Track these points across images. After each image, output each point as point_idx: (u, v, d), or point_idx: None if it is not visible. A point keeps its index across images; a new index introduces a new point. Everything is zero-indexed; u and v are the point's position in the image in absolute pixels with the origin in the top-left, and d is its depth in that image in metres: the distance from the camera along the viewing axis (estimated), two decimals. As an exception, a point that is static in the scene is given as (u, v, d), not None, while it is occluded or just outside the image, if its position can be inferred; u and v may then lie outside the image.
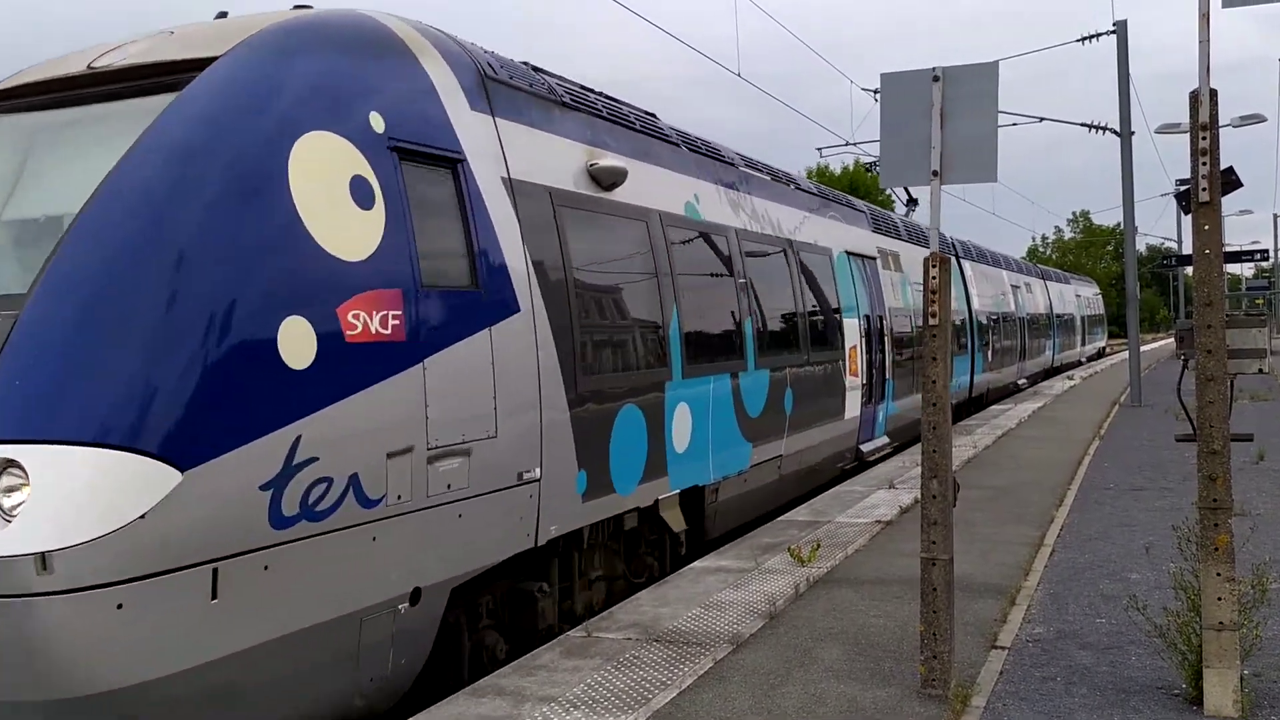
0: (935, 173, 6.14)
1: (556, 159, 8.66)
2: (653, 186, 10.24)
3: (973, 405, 26.15)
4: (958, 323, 23.48)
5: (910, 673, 6.66)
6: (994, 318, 28.37)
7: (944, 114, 6.09)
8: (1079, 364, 49.13)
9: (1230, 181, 7.30)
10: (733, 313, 11.56)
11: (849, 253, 16.37)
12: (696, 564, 10.04)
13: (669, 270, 10.12)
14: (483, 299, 7.21)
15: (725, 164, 12.59)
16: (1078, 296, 51.08)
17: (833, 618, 8.09)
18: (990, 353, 27.33)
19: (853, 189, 50.87)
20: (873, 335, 17.03)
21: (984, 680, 6.61)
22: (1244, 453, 14.82)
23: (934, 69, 6.10)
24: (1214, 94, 5.76)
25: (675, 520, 10.26)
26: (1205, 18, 5.78)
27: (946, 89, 6.09)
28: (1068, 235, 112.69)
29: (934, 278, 6.09)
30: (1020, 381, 33.12)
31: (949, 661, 6.25)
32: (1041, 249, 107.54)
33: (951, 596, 6.31)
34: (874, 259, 17.93)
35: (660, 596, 8.81)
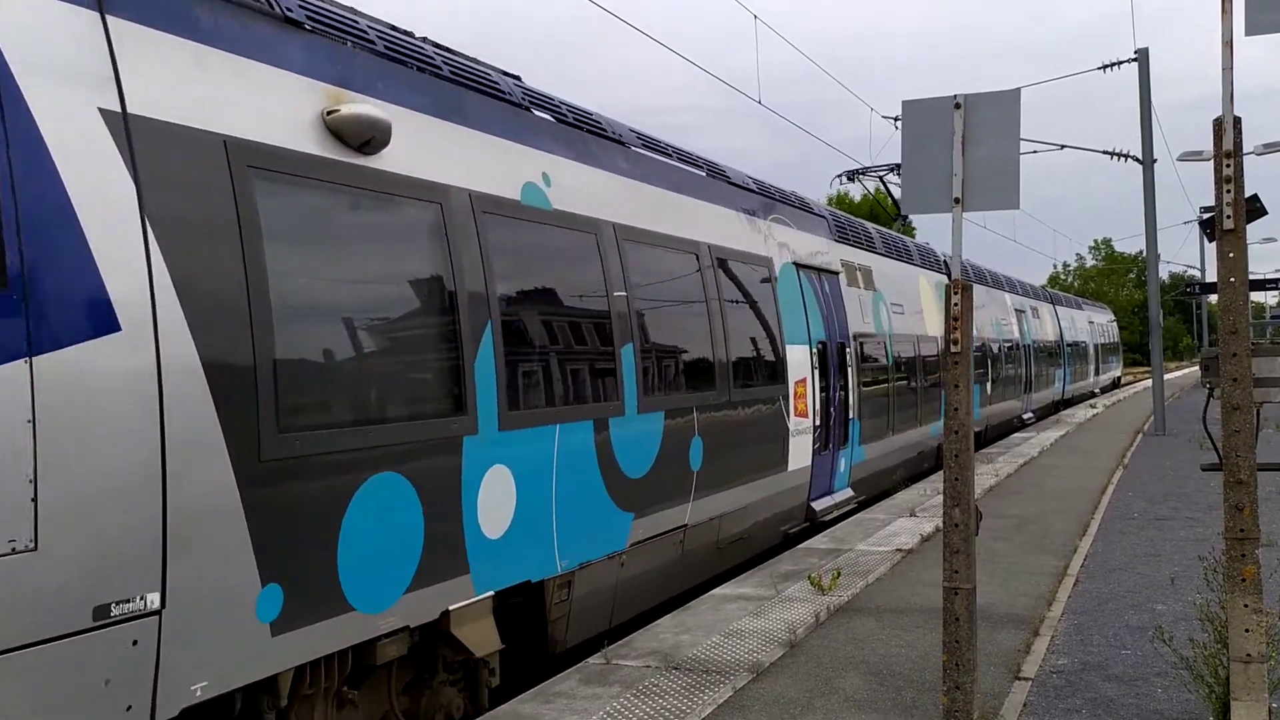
0: (957, 200, 6.13)
1: (251, 96, 5.78)
2: (458, 155, 7.39)
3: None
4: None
5: (933, 703, 6.59)
6: (995, 345, 26.09)
7: (965, 141, 6.08)
8: (1092, 395, 46.08)
9: (1254, 209, 7.24)
10: (600, 337, 8.79)
11: (799, 264, 13.46)
12: (716, 591, 9.98)
13: (482, 275, 7.29)
14: (19, 307, 4.42)
15: (605, 138, 9.65)
16: (1091, 323, 47.49)
17: (854, 646, 8.02)
18: (989, 384, 24.96)
19: (873, 216, 50.89)
20: (830, 366, 14.13)
21: (1007, 712, 6.53)
22: (1271, 482, 14.65)
23: (955, 96, 6.10)
24: (1238, 121, 5.73)
25: (482, 638, 7.19)
26: (1228, 45, 5.76)
27: (968, 115, 6.08)
28: (1089, 263, 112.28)
29: (956, 304, 6.07)
30: (1025, 415, 30.76)
31: (972, 692, 6.17)
32: (1063, 276, 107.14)
33: (974, 626, 6.24)
34: (836, 274, 15.04)
35: (680, 624, 8.76)
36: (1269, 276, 46.11)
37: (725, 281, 11.17)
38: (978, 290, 23.71)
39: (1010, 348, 28.28)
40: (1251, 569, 5.74)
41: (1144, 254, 31.24)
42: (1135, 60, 26.43)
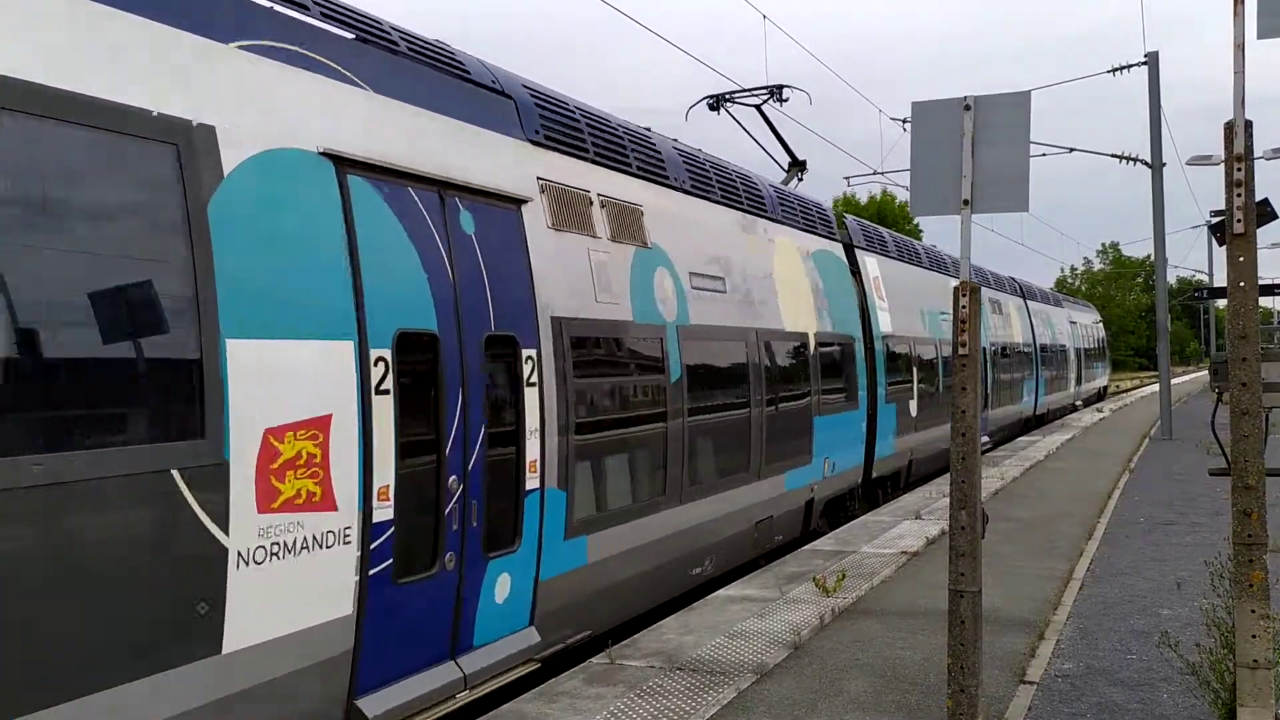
0: (966, 202, 6.11)
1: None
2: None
3: (878, 490, 16.52)
4: (833, 355, 14.03)
5: (937, 706, 6.57)
6: (924, 347, 19.21)
7: (975, 143, 6.07)
8: (1073, 409, 38.56)
9: (1265, 213, 7.22)
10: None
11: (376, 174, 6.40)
12: (720, 592, 9.97)
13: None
14: None
15: None
16: (1072, 324, 39.89)
17: (858, 649, 8.00)
18: (913, 402, 17.93)
19: (880, 218, 50.86)
20: (473, 387, 6.93)
21: (1012, 715, 6.52)
22: (1279, 488, 14.60)
23: (965, 98, 6.08)
24: (1249, 125, 5.71)
25: None
26: (1240, 48, 5.74)
27: (978, 117, 6.06)
28: (1097, 267, 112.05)
29: (964, 307, 6.05)
30: (981, 439, 25.21)
31: (977, 696, 6.15)
32: (1070, 280, 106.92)
33: (980, 629, 6.22)
34: (512, 208, 7.69)
35: (684, 624, 8.75)
36: (1278, 282, 45.87)
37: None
38: (896, 269, 18.27)
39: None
40: (1259, 574, 5.72)
41: (1152, 258, 30.77)
42: (1145, 64, 26.36)
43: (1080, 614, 8.99)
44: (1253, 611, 5.72)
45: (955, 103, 6.15)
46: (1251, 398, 5.74)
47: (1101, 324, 52.22)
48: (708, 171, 11.57)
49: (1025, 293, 31.56)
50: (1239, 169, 5.68)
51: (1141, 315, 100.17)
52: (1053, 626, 8.57)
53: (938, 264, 22.01)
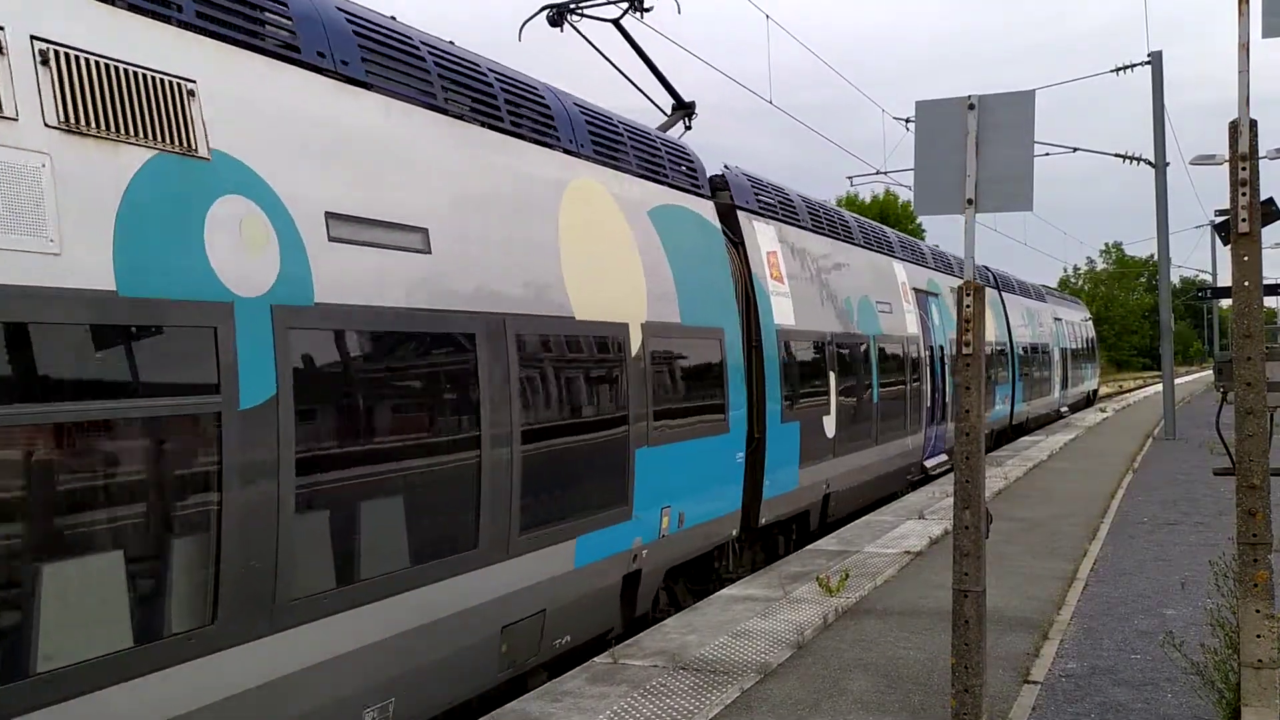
0: (970, 201, 6.11)
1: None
2: None
3: (777, 537, 12.84)
4: (679, 355, 10.11)
5: (941, 706, 6.57)
6: (850, 349, 14.79)
7: (979, 142, 6.06)
8: (1058, 417, 34.26)
9: (1270, 212, 7.20)
10: None
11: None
12: (724, 592, 9.97)
13: None
14: None
15: None
16: (1057, 321, 35.35)
17: (862, 648, 8.00)
18: (830, 418, 13.76)
19: (883, 218, 50.87)
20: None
21: (1016, 715, 6.51)
22: (1281, 488, 14.59)
23: (969, 97, 6.08)
24: (1254, 124, 5.70)
25: None
26: (1245, 48, 5.73)
27: (982, 117, 6.06)
28: (1100, 266, 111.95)
29: (968, 306, 6.05)
30: (929, 463, 18.86)
31: (981, 695, 6.15)
32: (1073, 280, 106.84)
33: (984, 629, 6.22)
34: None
35: (687, 624, 8.75)
36: (1283, 281, 45.62)
37: None
38: (815, 243, 14.25)
39: (897, 355, 16.95)
40: (1264, 574, 5.72)
41: (1155, 258, 30.63)
42: (1149, 63, 26.33)
43: (1084, 614, 8.98)
44: (1257, 611, 5.71)
45: (959, 102, 6.15)
46: (1256, 397, 5.73)
47: (1090, 322, 46.78)
48: (389, 47, 6.97)
49: (1001, 284, 27.49)
50: (1244, 168, 5.68)
51: (1144, 315, 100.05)
52: (1057, 626, 8.56)
53: (878, 242, 17.61)
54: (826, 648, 8.04)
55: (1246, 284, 5.76)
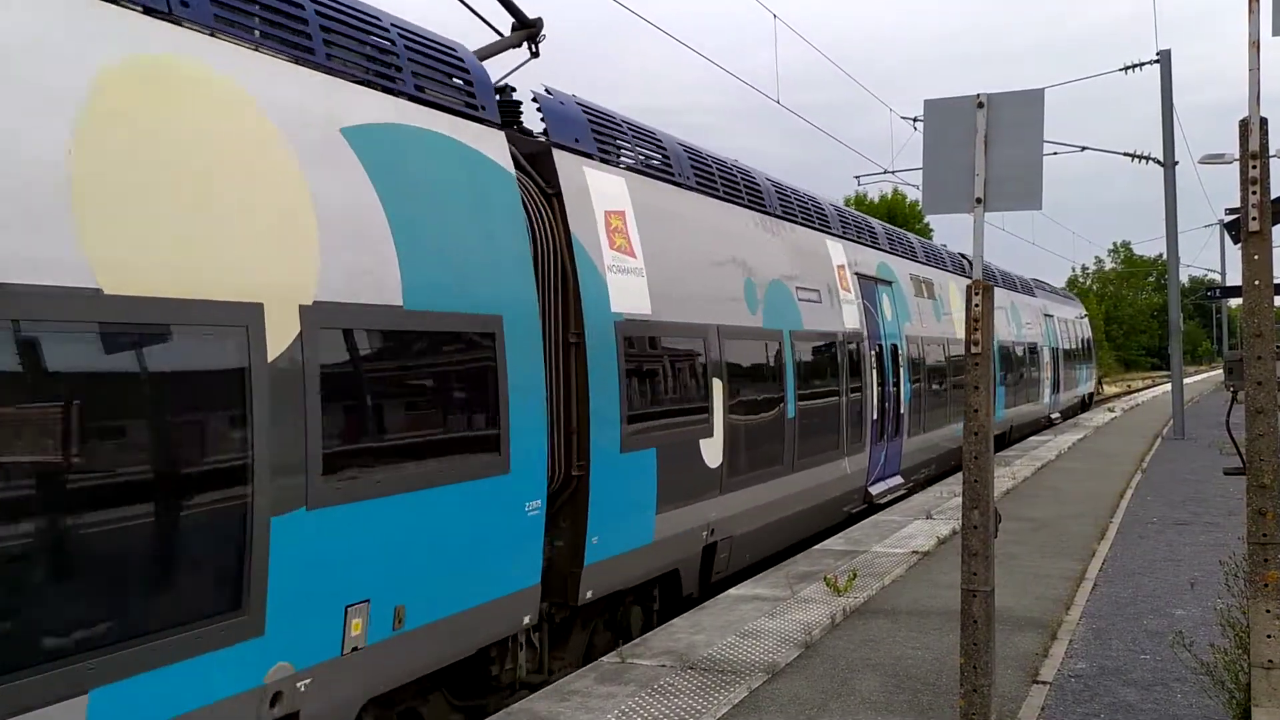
0: (979, 200, 6.09)
1: None
2: None
3: (616, 611, 9.48)
4: (406, 358, 6.74)
5: (949, 706, 6.55)
6: (761, 347, 11.69)
7: (988, 141, 6.04)
8: (1047, 424, 31.00)
9: (1280, 211, 7.18)
10: None
11: None
12: (731, 591, 9.96)
13: None
14: None
15: None
16: (1048, 318, 31.82)
17: (870, 648, 7.98)
18: (725, 442, 10.47)
19: (891, 217, 50.82)
20: None
21: (1025, 716, 6.49)
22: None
23: (978, 95, 6.06)
24: (1264, 122, 5.68)
25: None
26: (1255, 46, 5.71)
27: (991, 115, 6.04)
28: (1108, 266, 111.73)
29: (977, 305, 6.03)
30: (873, 488, 15.21)
31: (989, 695, 6.13)
32: (1082, 280, 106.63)
33: (992, 629, 6.20)
34: None
35: (695, 624, 8.74)
36: (1292, 280, 45.24)
37: None
38: (669, 200, 10.36)
39: (827, 355, 13.57)
40: (1274, 574, 5.69)
41: (1164, 257, 30.52)
42: (1158, 62, 26.26)
43: (1093, 614, 8.95)
44: (1268, 611, 5.68)
45: (968, 100, 6.13)
46: (1266, 396, 5.71)
47: (1086, 319, 42.84)
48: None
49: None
50: (1254, 166, 5.65)
51: (1153, 314, 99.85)
52: (1065, 626, 8.54)
53: (805, 213, 13.97)
54: (834, 648, 8.02)
55: (1257, 282, 5.74)
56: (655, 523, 9.22)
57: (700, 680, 7.19)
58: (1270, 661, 5.65)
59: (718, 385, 10.34)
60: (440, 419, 6.73)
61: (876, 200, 60.62)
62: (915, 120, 24.86)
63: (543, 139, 8.69)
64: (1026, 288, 30.34)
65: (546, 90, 9.05)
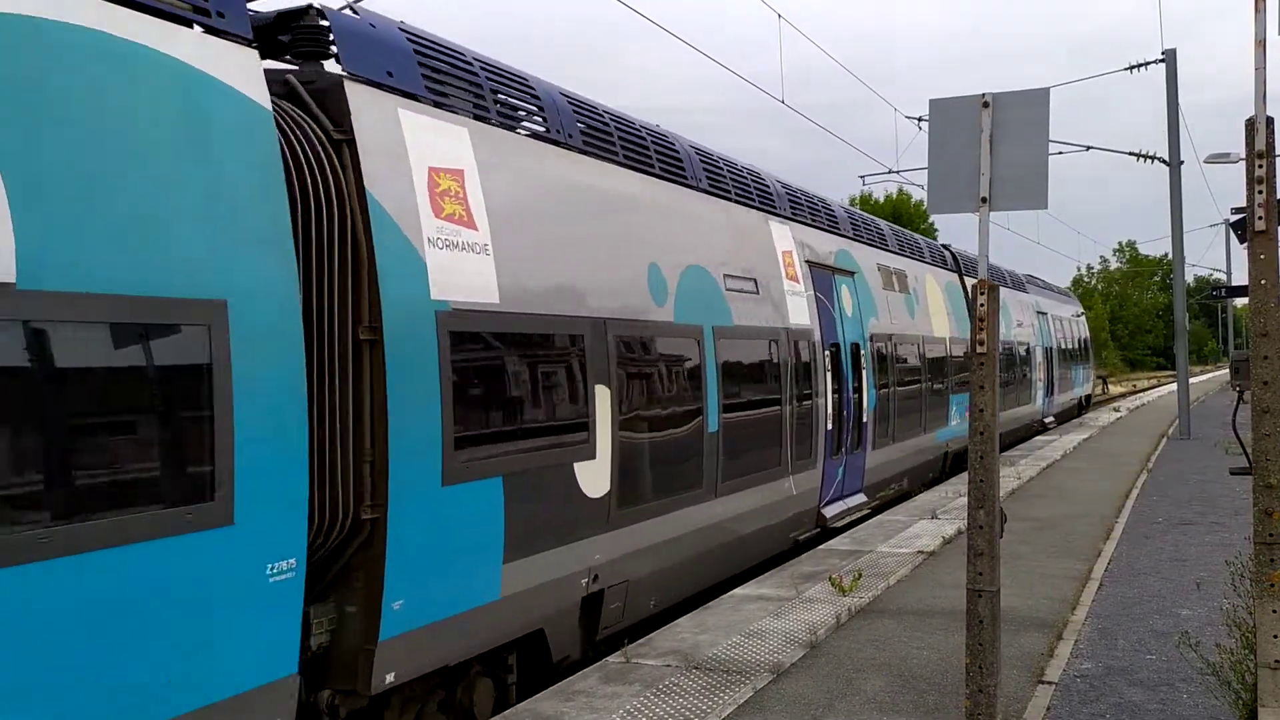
0: (984, 199, 6.09)
1: None
2: None
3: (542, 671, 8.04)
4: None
5: (955, 706, 6.55)
6: (668, 344, 9.66)
7: (993, 140, 6.04)
8: (1040, 429, 29.03)
9: (1286, 210, 7.17)
10: None
11: None
12: (736, 591, 9.96)
13: None
14: None
15: None
16: (1041, 315, 29.83)
17: (875, 648, 7.98)
18: (616, 462, 8.50)
19: (896, 217, 50.79)
20: None
21: (1031, 715, 6.49)
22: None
23: (983, 95, 6.05)
24: (1270, 121, 5.67)
25: None
26: (1261, 44, 5.70)
27: (996, 114, 6.03)
28: (1114, 265, 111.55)
29: (982, 305, 6.02)
30: (838, 508, 13.59)
31: (995, 696, 6.12)
32: (1087, 279, 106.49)
33: (998, 629, 6.19)
34: None
35: (700, 623, 8.74)
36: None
37: None
38: (561, 165, 8.56)
39: (764, 355, 11.55)
40: (1281, 574, 5.68)
41: (1169, 257, 30.39)
42: (1163, 61, 26.21)
43: (1099, 614, 8.94)
44: (1274, 611, 5.67)
45: (973, 100, 6.12)
46: (1273, 396, 5.69)
47: (1084, 317, 40.34)
48: None
49: (965, 268, 21.66)
50: (1260, 165, 5.64)
51: (1158, 314, 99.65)
52: (1071, 626, 8.53)
53: (740, 188, 11.95)
54: (840, 648, 8.02)
55: (1263, 282, 5.72)
56: (502, 574, 7.21)
57: (705, 680, 7.19)
58: (1277, 661, 5.64)
59: (603, 395, 8.35)
60: (99, 450, 4.74)
61: (882, 200, 60.60)
62: (920, 120, 24.83)
63: (334, 72, 6.68)
64: (1018, 283, 28.57)
65: (350, 6, 7.16)
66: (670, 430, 9.41)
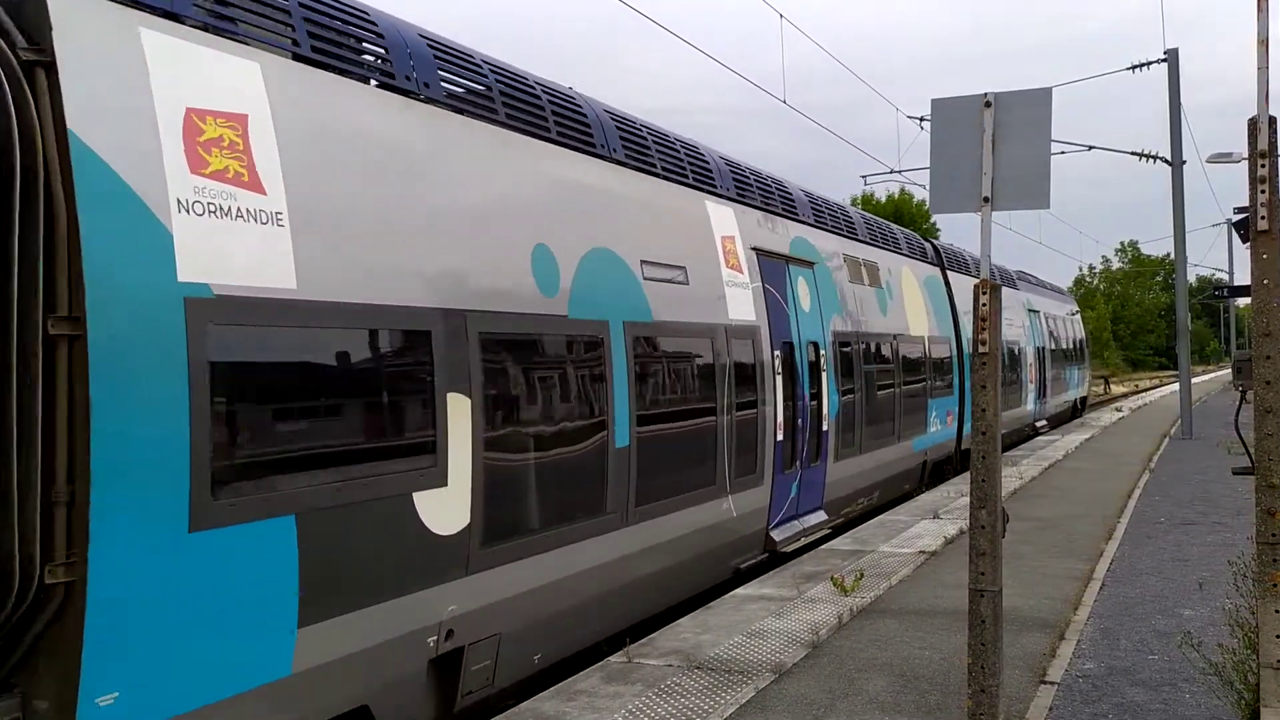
0: (986, 199, 6.08)
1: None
2: None
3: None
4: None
5: (957, 706, 6.54)
6: (562, 344, 7.95)
7: (996, 140, 6.03)
8: (1032, 433, 27.64)
9: (1288, 210, 7.16)
10: None
11: None
12: (738, 591, 9.96)
13: None
14: None
15: None
16: (1033, 313, 28.17)
17: (877, 648, 7.97)
18: (482, 486, 6.82)
19: (898, 217, 50.77)
20: None
21: (1033, 716, 6.48)
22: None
23: (985, 94, 6.05)
24: (1273, 121, 5.66)
25: None
26: (1264, 44, 5.69)
27: (998, 114, 6.03)
28: (1115, 265, 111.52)
29: (984, 305, 6.02)
30: (788, 531, 11.93)
31: (997, 696, 6.12)
32: (1089, 279, 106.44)
33: (1000, 629, 6.19)
34: None
35: (701, 623, 8.74)
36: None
37: None
38: (405, 119, 6.80)
39: (696, 357, 9.96)
40: (1283, 574, 5.67)
41: (1171, 256, 30.37)
42: (1165, 61, 26.20)
43: (1101, 614, 8.93)
44: (1277, 611, 5.66)
45: (975, 99, 6.12)
46: (1275, 395, 5.69)
47: (1079, 316, 38.51)
48: None
49: (948, 262, 20.43)
50: (1263, 165, 5.64)
51: (1160, 314, 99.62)
52: (1073, 626, 8.52)
53: (668, 159, 10.42)
54: (842, 647, 8.02)
55: (1266, 282, 5.72)
56: (296, 641, 5.55)
57: (707, 680, 7.19)
58: (1279, 661, 5.64)
59: (459, 406, 6.70)
60: None
61: (883, 200, 60.57)
62: (922, 120, 24.82)
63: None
64: (1008, 279, 26.68)
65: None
66: (560, 448, 7.74)
